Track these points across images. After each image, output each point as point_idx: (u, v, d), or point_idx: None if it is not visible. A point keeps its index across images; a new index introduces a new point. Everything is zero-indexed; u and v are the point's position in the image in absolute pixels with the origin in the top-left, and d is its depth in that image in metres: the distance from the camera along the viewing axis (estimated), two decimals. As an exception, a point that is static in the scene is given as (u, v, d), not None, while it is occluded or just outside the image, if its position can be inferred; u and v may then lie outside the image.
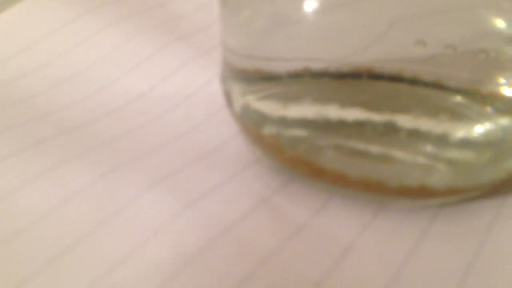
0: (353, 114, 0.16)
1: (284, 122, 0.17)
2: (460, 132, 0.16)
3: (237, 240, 0.16)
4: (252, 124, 0.18)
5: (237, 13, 0.18)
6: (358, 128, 0.16)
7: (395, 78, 0.16)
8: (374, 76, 0.17)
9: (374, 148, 0.16)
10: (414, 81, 0.16)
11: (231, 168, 0.19)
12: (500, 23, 0.15)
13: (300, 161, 0.17)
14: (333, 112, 0.17)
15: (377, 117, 0.16)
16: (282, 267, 0.15)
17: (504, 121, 0.16)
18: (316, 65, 0.17)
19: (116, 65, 0.23)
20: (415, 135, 0.16)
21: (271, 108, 0.18)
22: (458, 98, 0.16)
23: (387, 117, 0.16)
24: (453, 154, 0.16)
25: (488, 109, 0.16)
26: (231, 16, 0.18)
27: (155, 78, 0.23)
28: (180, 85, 0.23)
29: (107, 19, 0.25)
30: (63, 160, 0.18)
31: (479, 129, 0.16)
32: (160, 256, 0.15)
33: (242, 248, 0.16)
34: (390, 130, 0.16)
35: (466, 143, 0.16)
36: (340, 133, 0.17)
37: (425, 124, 0.16)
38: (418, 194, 0.17)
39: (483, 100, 0.16)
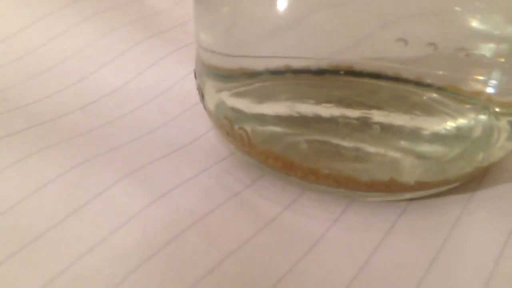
0: (328, 110, 0.17)
1: (257, 118, 0.18)
2: (432, 127, 0.17)
3: (205, 232, 0.16)
4: (225, 120, 0.18)
5: (211, 10, 0.18)
6: (332, 123, 0.17)
7: (374, 75, 0.17)
8: (352, 73, 0.17)
9: (347, 143, 0.17)
10: (393, 78, 0.17)
11: (203, 162, 0.19)
12: (477, 23, 0.15)
13: (271, 156, 0.17)
14: (308, 108, 0.17)
15: (352, 113, 0.16)
16: (250, 259, 0.15)
17: (477, 117, 0.16)
18: (296, 63, 0.17)
19: (91, 60, 0.23)
20: (389, 130, 0.16)
21: (244, 104, 0.18)
22: (435, 95, 0.17)
23: (362, 113, 0.16)
24: (424, 148, 0.17)
25: (463, 105, 0.16)
26: (205, 14, 0.18)
27: (130, 73, 0.23)
28: (155, 80, 0.23)
29: (83, 13, 0.25)
30: (34, 152, 0.18)
31: (451, 125, 0.17)
32: (126, 246, 0.15)
33: (210, 240, 0.16)
34: (364, 126, 0.16)
35: (437, 138, 0.17)
36: (313, 128, 0.17)
37: (399, 119, 0.16)
38: (388, 188, 0.17)
39: (459, 96, 0.16)
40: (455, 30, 0.15)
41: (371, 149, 0.17)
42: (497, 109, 0.17)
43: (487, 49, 0.15)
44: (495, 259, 0.16)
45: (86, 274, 0.14)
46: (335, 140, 0.17)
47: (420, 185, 0.17)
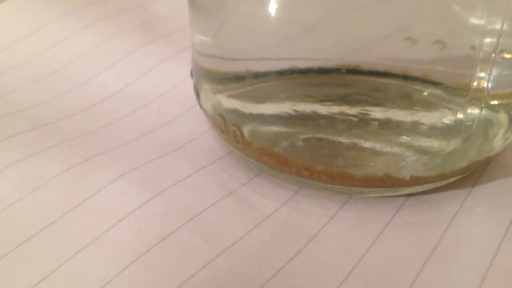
0: (327, 108, 0.17)
1: (254, 118, 0.18)
2: (431, 121, 0.16)
3: (201, 229, 0.16)
4: (219, 118, 0.18)
5: (206, 14, 0.18)
6: (329, 120, 0.17)
7: (379, 74, 0.17)
8: (357, 71, 0.17)
9: (343, 140, 0.17)
10: (399, 76, 0.17)
11: (200, 161, 0.19)
12: (477, 20, 0.15)
13: (266, 153, 0.17)
14: (307, 107, 0.17)
15: (351, 110, 0.16)
16: (244, 255, 0.15)
17: (474, 110, 0.16)
18: (302, 64, 0.17)
19: (93, 64, 0.24)
20: (387, 125, 0.16)
21: (241, 105, 0.18)
22: (437, 91, 0.17)
23: (361, 109, 0.16)
24: (422, 143, 0.17)
25: (462, 99, 0.16)
26: (200, 18, 0.18)
27: (131, 76, 0.23)
28: (155, 82, 0.23)
29: (86, 19, 0.26)
30: (33, 153, 0.18)
31: (450, 119, 0.16)
32: (121, 243, 0.15)
33: (205, 237, 0.16)
34: (362, 122, 0.16)
35: (435, 132, 0.17)
36: (310, 126, 0.17)
37: (398, 115, 0.16)
38: (383, 183, 0.17)
39: (459, 91, 0.16)
40: (461, 27, 0.15)
41: (367, 144, 0.17)
42: (495, 102, 0.16)
43: (481, 45, 0.15)
44: (492, 254, 0.15)
45: (81, 270, 0.15)
46: (332, 137, 0.17)
47: (417, 180, 0.17)
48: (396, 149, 0.17)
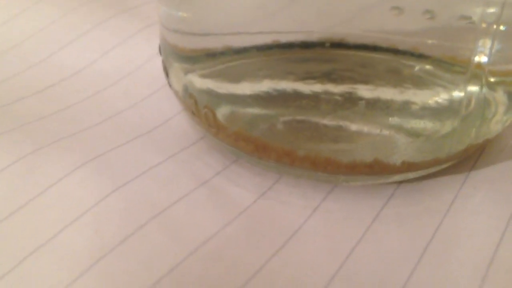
0: (310, 86, 0.15)
1: (229, 98, 0.16)
2: (423, 100, 0.15)
3: (169, 226, 0.14)
4: (190, 99, 0.16)
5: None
6: (313, 100, 0.15)
7: (366, 48, 0.15)
8: (342, 45, 0.15)
9: (328, 122, 0.15)
10: (387, 50, 0.15)
11: (170, 148, 0.17)
12: None
13: (242, 138, 0.16)
14: (288, 85, 0.15)
15: (336, 88, 0.15)
16: (217, 255, 0.14)
17: (470, 88, 0.15)
18: (284, 38, 0.15)
19: (51, 41, 0.21)
20: (375, 105, 0.15)
21: (215, 85, 0.16)
22: (428, 66, 0.15)
23: (347, 87, 0.15)
24: (414, 125, 0.15)
25: (456, 76, 0.15)
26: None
27: (94, 54, 0.21)
28: (120, 61, 0.21)
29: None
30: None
31: (444, 97, 0.15)
32: (75, 246, 0.13)
33: (173, 235, 0.14)
34: (348, 102, 0.15)
35: (428, 113, 0.15)
36: (292, 107, 0.15)
37: (387, 93, 0.15)
38: (371, 170, 0.15)
39: (453, 67, 0.15)
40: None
41: (354, 127, 0.15)
42: (492, 79, 0.15)
43: (482, 16, 0.13)
44: (493, 248, 0.14)
45: (28, 279, 0.13)
46: (315, 119, 0.15)
47: (408, 166, 0.15)
48: (386, 132, 0.15)
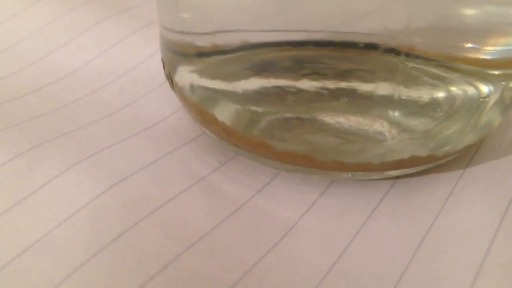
0: (305, 83, 0.15)
1: (230, 95, 0.16)
2: (418, 97, 0.15)
3: (164, 223, 0.14)
4: (192, 100, 0.16)
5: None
6: (309, 96, 0.15)
7: (351, 45, 0.15)
8: (338, 44, 0.15)
9: (323, 117, 0.15)
10: (381, 49, 0.15)
11: (166, 145, 0.17)
12: None
13: (238, 135, 0.16)
14: (286, 82, 0.15)
15: (331, 85, 0.15)
16: (211, 252, 0.14)
17: (464, 85, 0.15)
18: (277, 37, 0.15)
19: (48, 40, 0.21)
20: (371, 102, 0.15)
21: (216, 83, 0.16)
22: (422, 65, 0.15)
23: (340, 84, 0.15)
24: (409, 121, 0.15)
25: (451, 73, 0.15)
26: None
27: (91, 53, 0.21)
28: (118, 60, 0.21)
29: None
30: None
31: (439, 95, 0.15)
32: (70, 241, 0.13)
33: (167, 232, 0.14)
34: (341, 97, 0.15)
35: (423, 110, 0.15)
36: (288, 102, 0.15)
37: (384, 89, 0.15)
38: (367, 167, 0.15)
39: (446, 64, 0.15)
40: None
41: (349, 123, 0.15)
42: (490, 76, 0.15)
43: (474, 13, 0.14)
44: (488, 245, 0.14)
45: (24, 274, 0.13)
46: (311, 114, 0.15)
47: (403, 163, 0.15)
48: (382, 128, 0.15)
